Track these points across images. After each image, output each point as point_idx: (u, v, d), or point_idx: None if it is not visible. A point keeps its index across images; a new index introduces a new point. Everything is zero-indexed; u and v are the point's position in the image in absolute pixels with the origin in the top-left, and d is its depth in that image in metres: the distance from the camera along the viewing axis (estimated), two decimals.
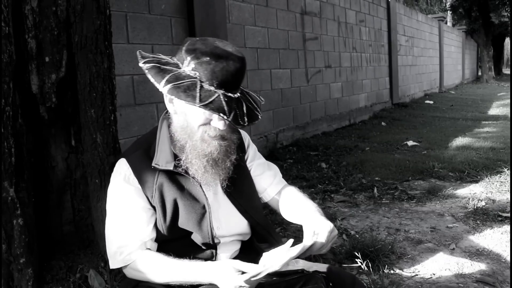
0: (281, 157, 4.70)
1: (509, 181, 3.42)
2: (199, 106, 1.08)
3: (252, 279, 1.06)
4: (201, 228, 1.25)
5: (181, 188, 1.25)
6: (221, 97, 1.10)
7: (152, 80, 1.12)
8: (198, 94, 1.08)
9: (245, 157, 1.41)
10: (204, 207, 1.26)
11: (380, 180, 3.71)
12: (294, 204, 1.38)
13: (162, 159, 1.23)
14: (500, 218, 2.73)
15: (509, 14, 18.65)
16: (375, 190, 3.42)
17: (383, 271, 2.07)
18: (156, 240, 1.29)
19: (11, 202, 1.63)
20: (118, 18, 3.21)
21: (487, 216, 2.79)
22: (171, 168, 1.22)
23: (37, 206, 1.80)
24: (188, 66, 1.13)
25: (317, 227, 1.19)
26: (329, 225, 1.19)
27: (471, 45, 22.40)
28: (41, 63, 1.75)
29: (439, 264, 2.17)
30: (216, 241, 1.28)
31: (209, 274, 1.14)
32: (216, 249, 1.29)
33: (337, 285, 1.22)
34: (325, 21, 6.44)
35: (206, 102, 1.08)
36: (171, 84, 1.09)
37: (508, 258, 2.17)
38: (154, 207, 1.26)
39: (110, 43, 1.89)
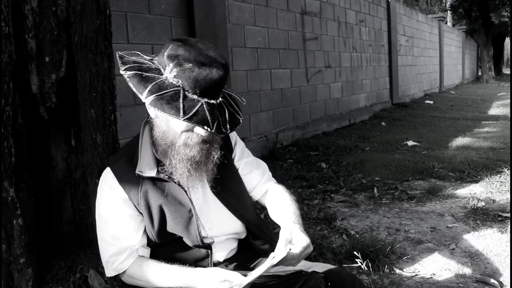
0: (281, 157, 4.70)
1: (509, 181, 3.42)
2: (183, 120, 1.07)
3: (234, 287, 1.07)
4: (189, 232, 1.26)
5: (165, 194, 1.25)
6: (205, 106, 1.09)
7: (134, 90, 1.09)
8: (181, 106, 1.07)
9: (233, 156, 1.40)
10: (190, 210, 1.26)
11: (380, 180, 3.71)
12: (277, 207, 1.38)
13: (145, 166, 1.23)
14: (500, 218, 2.73)
15: (509, 14, 18.65)
16: (375, 190, 3.42)
17: (383, 271, 2.07)
18: (150, 244, 1.30)
19: (11, 202, 1.63)
20: (118, 18, 3.21)
21: (487, 216, 2.79)
22: (154, 175, 1.22)
23: (37, 206, 1.80)
24: (170, 73, 1.10)
25: (293, 239, 1.18)
26: (305, 240, 1.18)
27: (471, 45, 22.40)
28: (41, 63, 1.75)
29: (439, 264, 2.17)
30: (209, 241, 1.29)
31: (195, 281, 1.15)
32: (211, 248, 1.29)
33: (336, 285, 1.22)
34: (325, 21, 6.44)
35: (190, 114, 1.07)
36: (154, 96, 1.07)
37: (508, 258, 2.17)
38: (142, 214, 1.26)
39: (110, 43, 1.89)
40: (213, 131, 1.09)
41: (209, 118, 1.08)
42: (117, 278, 1.83)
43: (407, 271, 2.11)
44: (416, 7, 23.75)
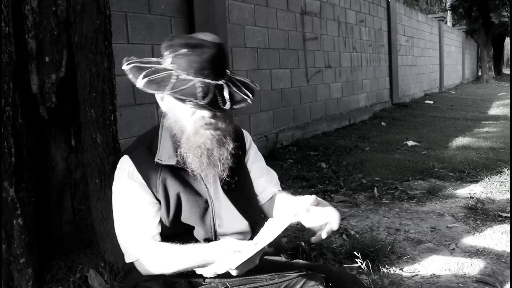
0: (281, 157, 4.70)
1: (509, 181, 3.42)
2: (169, 93, 1.10)
3: (245, 254, 1.07)
4: (204, 223, 1.27)
5: (184, 182, 1.26)
6: (196, 83, 1.12)
7: (130, 77, 1.15)
8: (171, 84, 1.11)
9: (246, 158, 1.42)
10: (206, 201, 1.27)
11: (380, 180, 3.71)
12: (285, 201, 1.40)
13: (164, 155, 1.24)
14: (500, 218, 2.73)
15: (509, 14, 18.65)
16: (375, 190, 3.42)
17: (383, 271, 2.07)
18: (160, 235, 1.30)
19: (11, 202, 1.63)
20: (118, 18, 3.21)
21: (487, 216, 2.79)
22: (174, 163, 1.23)
23: (37, 206, 1.80)
24: (167, 61, 1.16)
25: (302, 204, 1.20)
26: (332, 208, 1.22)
27: (471, 45, 22.40)
28: (41, 63, 1.75)
29: (439, 264, 2.17)
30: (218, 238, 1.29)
31: (211, 255, 1.15)
32: None
33: (337, 286, 1.22)
34: (325, 21, 6.44)
35: (178, 89, 1.10)
36: (146, 78, 1.12)
37: (508, 258, 2.17)
38: (159, 202, 1.27)
39: (110, 43, 1.89)
40: (202, 103, 1.10)
41: (198, 92, 1.10)
42: (117, 278, 1.84)
43: (407, 271, 2.11)
44: (416, 7, 23.76)
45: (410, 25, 10.98)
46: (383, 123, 7.27)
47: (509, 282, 1.94)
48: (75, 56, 1.80)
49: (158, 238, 1.28)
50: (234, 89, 1.18)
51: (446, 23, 18.43)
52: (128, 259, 1.28)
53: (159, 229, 1.27)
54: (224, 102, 1.13)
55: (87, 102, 1.80)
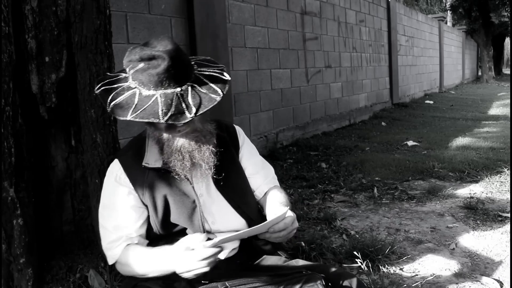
0: (281, 157, 4.70)
1: (509, 181, 3.42)
2: (131, 119, 1.11)
3: (205, 252, 1.09)
4: (193, 222, 1.29)
5: (170, 185, 1.29)
6: (158, 97, 1.13)
7: (102, 102, 1.18)
8: (133, 105, 1.12)
9: (240, 155, 1.43)
10: (194, 201, 1.29)
11: (380, 180, 3.71)
12: (269, 199, 1.42)
13: (151, 158, 1.27)
14: (500, 218, 2.73)
15: (509, 14, 18.65)
16: (375, 190, 3.42)
17: (383, 271, 2.07)
18: (152, 236, 1.32)
19: (11, 202, 1.63)
20: (118, 18, 3.21)
21: (487, 216, 2.79)
22: (160, 166, 1.26)
23: (37, 206, 1.80)
24: (130, 78, 1.18)
25: (280, 211, 1.23)
26: (291, 214, 1.24)
27: (471, 45, 22.40)
28: (41, 63, 1.75)
29: (439, 264, 2.17)
30: (211, 236, 1.29)
31: (170, 263, 1.17)
32: None
33: (337, 285, 1.22)
34: (325, 21, 6.44)
35: (138, 111, 1.11)
36: (113, 103, 1.15)
37: (508, 258, 2.17)
38: (146, 206, 1.29)
39: (110, 43, 1.89)
40: (162, 121, 1.10)
41: (160, 110, 1.11)
42: (117, 278, 1.84)
43: (407, 271, 2.11)
44: (416, 7, 23.76)
45: (410, 25, 10.98)
46: (383, 123, 7.27)
47: (509, 282, 1.94)
48: (75, 56, 1.80)
49: (140, 240, 1.31)
50: (200, 89, 1.17)
51: (446, 23, 18.44)
52: (109, 261, 1.32)
53: (140, 232, 1.30)
54: (190, 109, 1.12)
55: (87, 102, 1.80)
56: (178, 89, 1.14)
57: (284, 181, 3.77)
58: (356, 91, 7.57)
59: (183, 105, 1.12)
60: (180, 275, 1.14)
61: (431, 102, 10.67)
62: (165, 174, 1.27)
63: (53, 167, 1.88)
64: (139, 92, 1.15)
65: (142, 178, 1.27)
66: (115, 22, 2.53)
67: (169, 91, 1.13)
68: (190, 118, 1.11)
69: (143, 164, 1.27)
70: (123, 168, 1.29)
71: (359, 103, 7.72)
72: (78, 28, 1.78)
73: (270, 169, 1.52)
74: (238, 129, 1.47)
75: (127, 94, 1.15)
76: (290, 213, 1.24)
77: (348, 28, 7.23)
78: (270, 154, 4.77)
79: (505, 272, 2.05)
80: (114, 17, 2.14)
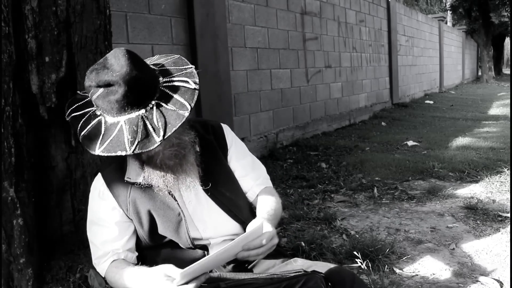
0: (281, 157, 4.70)
1: (509, 181, 3.42)
2: (99, 153, 1.08)
3: (182, 284, 1.03)
4: (179, 235, 1.27)
5: (153, 199, 1.26)
6: (123, 126, 1.08)
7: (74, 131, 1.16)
8: (101, 136, 1.09)
9: (228, 157, 1.39)
10: (179, 214, 1.27)
11: (380, 180, 3.71)
12: (257, 206, 1.38)
13: (132, 173, 1.25)
14: (500, 218, 2.73)
15: (509, 14, 18.64)
16: (375, 190, 3.42)
17: (383, 271, 2.07)
18: (144, 246, 1.32)
19: (11, 202, 1.63)
20: (118, 18, 3.21)
21: (487, 216, 2.79)
22: (141, 181, 1.23)
23: (37, 206, 1.80)
24: (93, 103, 1.13)
25: (257, 226, 1.15)
26: (270, 230, 1.16)
27: (471, 45, 22.40)
28: (41, 63, 1.75)
29: (439, 264, 2.17)
30: (204, 242, 1.29)
31: (145, 282, 1.14)
32: (207, 249, 1.30)
33: (337, 285, 1.21)
34: (325, 21, 6.44)
35: (105, 144, 1.07)
36: (81, 135, 1.12)
37: (508, 258, 2.17)
38: (132, 220, 1.29)
39: (110, 43, 1.89)
40: (130, 152, 1.05)
41: (125, 139, 1.06)
42: None
43: (407, 271, 2.11)
44: (416, 7, 23.76)
45: (410, 25, 10.98)
46: (383, 123, 7.27)
47: (509, 282, 1.94)
48: (75, 56, 1.80)
49: (128, 254, 1.30)
50: (167, 106, 1.09)
51: (446, 23, 18.44)
52: (101, 274, 1.33)
53: (128, 246, 1.29)
54: (157, 132, 1.06)
55: None
56: (143, 110, 1.08)
57: (284, 181, 3.77)
58: (356, 91, 7.57)
59: (150, 128, 1.06)
60: None
61: (431, 102, 10.67)
62: (148, 188, 1.25)
63: (53, 167, 1.88)
64: (104, 120, 1.10)
65: (125, 193, 1.25)
66: (115, 22, 2.53)
67: (133, 115, 1.08)
68: (159, 143, 1.05)
69: (125, 178, 1.24)
70: (106, 184, 1.27)
71: (359, 103, 7.72)
72: (78, 28, 1.78)
73: (261, 169, 1.46)
74: (226, 129, 1.41)
75: (93, 123, 1.11)
76: (268, 228, 1.17)
77: (348, 28, 7.23)
78: (270, 154, 4.77)
79: (505, 272, 2.05)
80: (114, 17, 2.14)
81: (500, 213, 2.79)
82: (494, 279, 1.99)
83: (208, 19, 4.02)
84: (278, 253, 1.41)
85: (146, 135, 1.06)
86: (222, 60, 4.19)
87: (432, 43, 13.48)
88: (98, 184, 1.29)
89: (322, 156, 4.79)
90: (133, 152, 1.05)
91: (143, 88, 1.09)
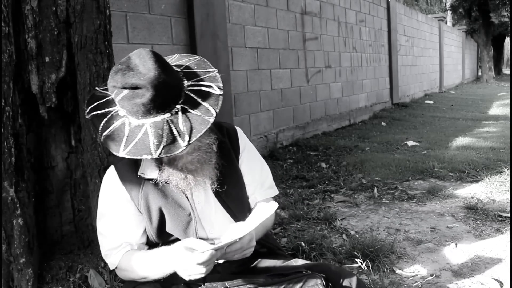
0: (281, 157, 4.70)
1: (509, 181, 3.42)
2: (124, 156, 1.07)
3: (204, 256, 1.07)
4: (187, 235, 1.27)
5: (165, 196, 1.26)
6: (149, 129, 1.07)
7: (95, 130, 1.16)
8: (125, 138, 1.07)
9: (240, 160, 1.39)
10: (189, 214, 1.27)
11: (380, 180, 3.71)
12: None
13: (147, 168, 1.24)
14: (500, 218, 2.72)
15: (509, 14, 18.64)
16: (375, 190, 3.42)
17: (383, 271, 2.07)
18: (149, 243, 1.32)
19: (11, 202, 1.63)
20: (118, 18, 3.21)
21: (487, 216, 2.78)
22: (155, 177, 1.23)
23: (37, 206, 1.80)
24: (117, 103, 1.11)
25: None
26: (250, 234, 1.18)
27: (471, 45, 22.40)
28: (41, 63, 1.75)
29: (439, 264, 2.17)
30: (209, 242, 1.28)
31: (168, 259, 1.16)
32: None
33: (337, 285, 1.22)
34: (325, 21, 6.44)
35: (130, 146, 1.06)
36: (103, 135, 1.10)
37: (508, 258, 2.17)
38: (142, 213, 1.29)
39: (110, 43, 1.89)
40: (156, 156, 1.05)
41: (151, 142, 1.05)
42: (117, 278, 1.84)
43: (407, 271, 2.11)
44: (416, 7, 23.76)
45: (410, 25, 10.98)
46: (383, 123, 7.27)
47: (509, 282, 1.94)
48: (75, 56, 1.80)
49: (140, 247, 1.30)
50: (192, 111, 1.09)
51: (446, 23, 18.44)
52: (110, 267, 1.31)
53: (142, 240, 1.29)
54: (182, 137, 1.06)
55: None
56: (168, 114, 1.08)
57: (284, 181, 3.77)
58: (356, 91, 7.57)
59: (175, 132, 1.06)
60: (180, 275, 1.13)
61: (431, 102, 10.67)
62: (161, 185, 1.25)
63: (53, 167, 1.88)
64: (128, 121, 1.09)
65: (138, 188, 1.25)
66: (115, 22, 2.53)
67: (159, 118, 1.07)
68: (184, 148, 1.05)
69: (139, 174, 1.24)
70: (119, 177, 1.26)
71: (359, 103, 7.72)
72: (78, 28, 1.78)
73: (268, 177, 1.45)
74: (240, 132, 1.41)
75: (116, 123, 1.10)
76: (249, 230, 1.16)
77: (348, 28, 7.23)
78: (270, 154, 4.77)
79: (505, 272, 2.05)
80: (114, 17, 2.14)
81: (500, 213, 2.79)
82: (494, 279, 1.99)
83: (208, 19, 4.02)
84: (278, 254, 1.41)
85: (172, 139, 1.06)
86: (222, 60, 4.19)
87: (432, 43, 13.48)
88: (111, 177, 1.28)
89: (322, 156, 4.79)
90: (158, 156, 1.05)
91: (170, 93, 1.08)
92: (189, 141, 1.05)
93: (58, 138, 1.88)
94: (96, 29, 1.81)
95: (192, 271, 1.09)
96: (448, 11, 23.43)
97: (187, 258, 1.09)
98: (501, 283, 1.95)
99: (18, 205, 1.65)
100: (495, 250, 2.30)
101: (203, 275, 1.10)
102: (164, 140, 1.05)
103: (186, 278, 1.11)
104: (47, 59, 1.76)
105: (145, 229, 1.29)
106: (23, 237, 1.66)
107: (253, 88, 4.82)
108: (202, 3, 3.95)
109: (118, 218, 1.27)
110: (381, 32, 8.79)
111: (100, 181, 1.83)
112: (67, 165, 1.90)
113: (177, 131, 1.07)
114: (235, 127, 1.43)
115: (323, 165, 4.31)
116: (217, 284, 1.21)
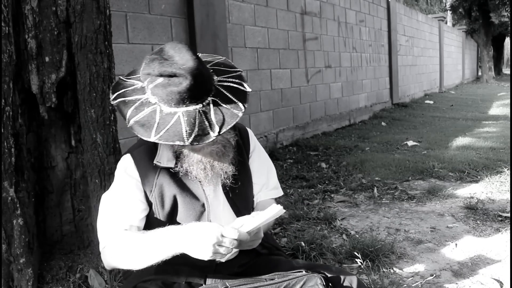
0: (281, 157, 4.70)
1: (509, 181, 3.42)
2: (155, 141, 1.09)
3: (241, 233, 1.06)
4: None
5: (181, 185, 1.27)
6: (181, 116, 1.10)
7: (119, 113, 1.16)
8: (156, 125, 1.10)
9: (250, 161, 1.42)
10: (203, 205, 1.29)
11: (380, 180, 3.71)
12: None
13: (164, 157, 1.26)
14: (500, 218, 2.73)
15: (509, 14, 18.64)
16: (375, 190, 3.42)
17: (383, 271, 2.07)
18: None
19: (11, 202, 1.63)
20: (118, 18, 3.21)
21: (487, 216, 2.79)
22: (172, 166, 1.24)
23: (37, 206, 1.80)
24: (148, 91, 1.14)
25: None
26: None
27: (471, 45, 22.40)
28: (41, 63, 1.75)
29: (439, 264, 2.17)
30: None
31: (185, 235, 1.08)
32: None
33: (337, 285, 1.22)
34: (325, 21, 6.44)
35: (162, 132, 1.08)
36: (132, 120, 1.12)
37: (508, 258, 2.17)
38: (149, 204, 1.27)
39: (110, 43, 1.89)
40: (188, 143, 1.07)
41: (184, 130, 1.08)
42: (117, 278, 1.84)
43: (407, 271, 2.11)
44: (416, 7, 23.75)
45: (410, 25, 10.98)
46: (383, 123, 7.27)
47: (509, 282, 1.94)
48: (75, 56, 1.80)
49: (137, 230, 1.26)
50: (223, 105, 1.14)
51: (446, 23, 18.44)
52: (100, 246, 1.26)
53: (140, 224, 1.27)
54: (213, 128, 1.09)
55: (87, 102, 1.80)
56: (200, 105, 1.12)
57: (284, 181, 3.77)
58: (356, 91, 7.57)
59: (206, 123, 1.10)
60: (194, 254, 1.07)
61: (431, 102, 10.68)
62: (177, 174, 1.26)
63: (53, 167, 1.88)
64: (160, 109, 1.12)
65: (153, 175, 1.26)
66: (115, 22, 2.53)
67: (191, 108, 1.11)
68: (214, 138, 1.09)
69: (155, 162, 1.25)
70: (134, 163, 1.27)
71: (359, 103, 7.72)
72: (78, 28, 1.78)
73: (273, 177, 1.48)
74: (250, 133, 1.45)
75: (147, 110, 1.12)
76: (260, 224, 1.16)
77: (348, 28, 7.23)
78: (270, 154, 4.77)
79: (505, 272, 2.05)
80: (114, 17, 2.14)
81: (500, 213, 2.79)
82: (494, 279, 1.99)
83: (208, 19, 4.02)
84: (278, 254, 1.41)
85: (203, 129, 1.09)
86: None
87: (432, 43, 13.48)
88: (126, 161, 1.29)
89: (322, 156, 4.79)
90: (190, 143, 1.08)
91: (205, 84, 1.13)
92: (219, 132, 1.10)
93: (58, 138, 1.88)
94: (96, 29, 1.81)
95: (219, 248, 1.04)
96: (448, 11, 23.44)
97: (220, 232, 1.04)
98: (501, 283, 1.95)
99: (18, 205, 1.65)
100: (495, 250, 2.30)
101: (226, 255, 1.07)
102: (196, 129, 1.09)
103: (207, 255, 1.05)
104: (47, 59, 1.76)
105: (144, 217, 1.27)
106: (23, 237, 1.66)
107: (253, 88, 4.82)
108: (202, 3, 3.96)
109: (124, 198, 1.26)
110: (381, 32, 8.79)
111: (100, 181, 1.84)
112: (67, 165, 1.90)
113: (208, 122, 1.10)
114: (246, 127, 1.46)
115: (323, 165, 4.32)
116: (217, 283, 1.21)
